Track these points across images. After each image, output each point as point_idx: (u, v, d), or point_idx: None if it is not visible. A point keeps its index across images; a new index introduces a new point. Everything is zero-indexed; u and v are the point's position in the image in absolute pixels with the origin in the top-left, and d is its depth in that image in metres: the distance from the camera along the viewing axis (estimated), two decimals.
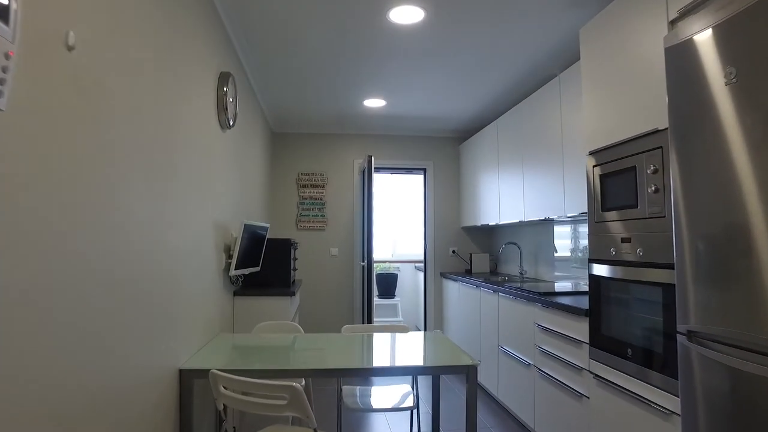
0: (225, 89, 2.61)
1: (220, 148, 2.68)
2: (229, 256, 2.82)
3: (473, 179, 4.99)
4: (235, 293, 3.04)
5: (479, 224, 4.79)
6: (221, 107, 2.60)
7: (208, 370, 1.72)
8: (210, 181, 2.44)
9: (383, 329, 2.77)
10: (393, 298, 6.51)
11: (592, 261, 2.32)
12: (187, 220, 2.05)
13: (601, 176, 2.27)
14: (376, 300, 6.39)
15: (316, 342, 2.35)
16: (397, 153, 5.42)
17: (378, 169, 5.47)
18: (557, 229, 3.84)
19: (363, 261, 5.07)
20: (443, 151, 5.48)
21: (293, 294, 3.09)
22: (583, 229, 3.64)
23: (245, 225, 2.71)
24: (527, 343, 3.09)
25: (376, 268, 6.63)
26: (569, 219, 3.41)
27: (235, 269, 2.71)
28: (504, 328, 3.51)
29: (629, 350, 2.03)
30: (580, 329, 2.44)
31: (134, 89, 1.50)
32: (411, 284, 6.81)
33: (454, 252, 5.40)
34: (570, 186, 3.05)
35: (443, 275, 5.24)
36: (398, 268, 6.79)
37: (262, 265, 3.33)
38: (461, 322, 4.60)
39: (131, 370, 1.49)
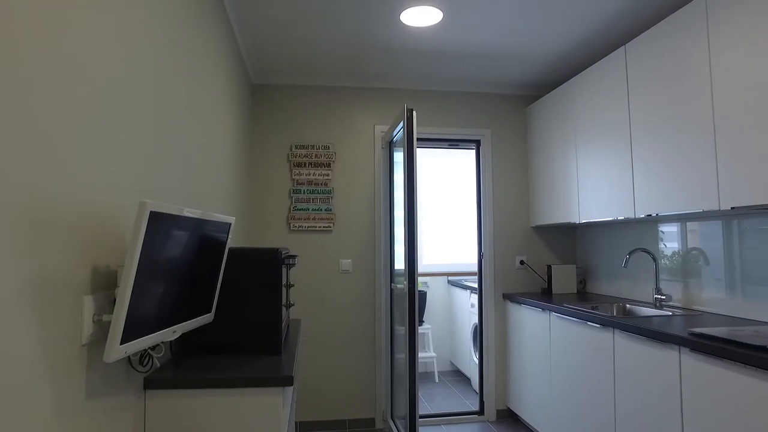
0: None
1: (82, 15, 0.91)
2: (113, 305, 1.04)
3: (564, 151, 3.25)
4: (149, 383, 1.26)
5: (580, 221, 3.06)
6: None
7: None
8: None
9: None
10: (421, 324, 4.74)
11: None
12: None
13: None
14: (397, 329, 4.59)
15: None
16: (437, 117, 3.66)
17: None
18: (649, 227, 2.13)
19: (399, 282, 3.33)
20: (506, 115, 3.74)
21: (290, 382, 1.31)
22: (669, 228, 1.95)
23: (152, 214, 0.94)
24: None
25: (396, 284, 4.82)
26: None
27: (124, 342, 0.94)
28: (704, 423, 1.77)
29: None
30: None
31: None
32: (443, 305, 5.05)
33: (522, 263, 3.66)
34: None
35: (508, 297, 3.50)
36: (426, 283, 5.03)
37: (220, 307, 1.56)
38: (562, 384, 2.85)
39: None
